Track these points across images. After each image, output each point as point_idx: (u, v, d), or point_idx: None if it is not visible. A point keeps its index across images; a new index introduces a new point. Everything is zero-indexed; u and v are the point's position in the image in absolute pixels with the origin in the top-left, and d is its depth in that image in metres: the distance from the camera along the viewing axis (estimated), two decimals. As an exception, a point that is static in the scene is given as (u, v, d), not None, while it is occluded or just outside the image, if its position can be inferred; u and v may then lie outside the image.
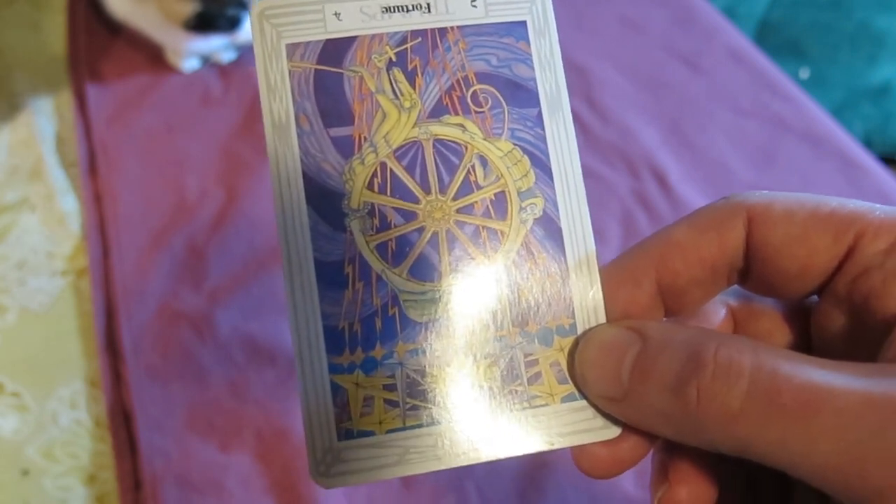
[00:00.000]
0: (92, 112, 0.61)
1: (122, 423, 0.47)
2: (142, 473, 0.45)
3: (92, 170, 0.58)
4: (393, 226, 0.22)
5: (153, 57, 0.64)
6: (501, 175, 0.23)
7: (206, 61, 0.65)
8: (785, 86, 0.66)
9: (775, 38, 0.85)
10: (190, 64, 0.64)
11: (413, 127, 0.22)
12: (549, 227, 0.23)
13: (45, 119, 0.61)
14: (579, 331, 0.22)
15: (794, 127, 0.64)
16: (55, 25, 0.67)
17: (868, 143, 0.76)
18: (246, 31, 0.61)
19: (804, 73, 0.84)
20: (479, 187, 0.23)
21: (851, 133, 0.65)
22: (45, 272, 0.54)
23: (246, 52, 0.64)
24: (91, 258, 0.53)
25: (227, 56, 0.65)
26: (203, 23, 0.60)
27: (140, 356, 0.49)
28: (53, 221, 0.56)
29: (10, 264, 0.54)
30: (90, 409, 0.48)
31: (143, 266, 0.53)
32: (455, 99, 0.23)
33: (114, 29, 0.65)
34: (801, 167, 0.62)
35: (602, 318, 0.22)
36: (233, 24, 0.61)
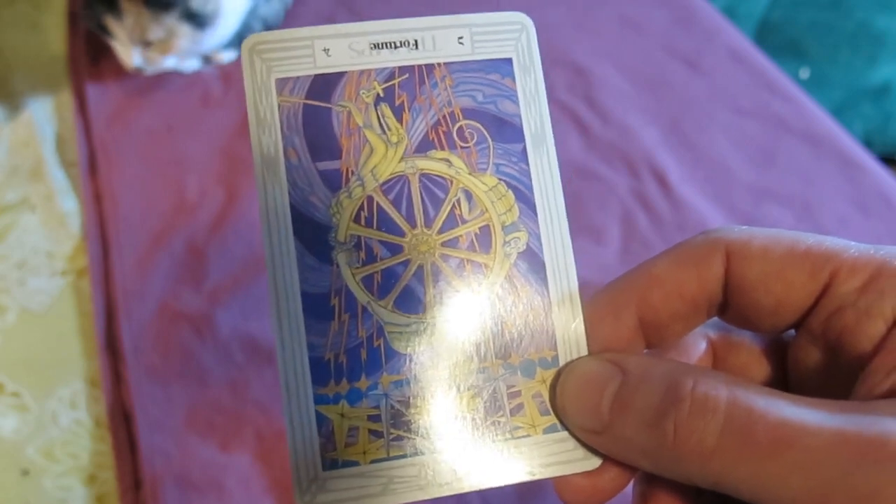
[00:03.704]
0: (92, 112, 0.61)
1: (122, 423, 0.47)
2: (142, 473, 0.45)
3: (92, 170, 0.58)
4: (379, 259, 0.22)
5: (153, 57, 0.64)
6: (486, 209, 0.23)
7: (207, 61, 0.65)
8: (785, 86, 0.66)
9: (775, 38, 0.85)
10: (190, 64, 0.64)
11: (400, 161, 0.23)
12: (533, 261, 0.23)
13: (45, 119, 0.61)
14: (561, 363, 0.22)
15: (794, 127, 0.64)
16: (55, 25, 0.67)
17: (868, 143, 0.76)
18: (187, 53, 0.58)
19: (804, 73, 0.84)
20: (463, 221, 0.23)
21: (851, 133, 0.65)
22: (45, 272, 0.54)
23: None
24: (91, 258, 0.53)
25: (227, 56, 0.65)
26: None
27: (140, 356, 0.49)
28: (53, 221, 0.56)
29: (10, 264, 0.54)
30: (90, 409, 0.48)
31: (143, 266, 0.53)
32: (441, 134, 0.23)
33: (114, 29, 0.65)
34: (801, 167, 0.61)
35: (584, 351, 0.23)
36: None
